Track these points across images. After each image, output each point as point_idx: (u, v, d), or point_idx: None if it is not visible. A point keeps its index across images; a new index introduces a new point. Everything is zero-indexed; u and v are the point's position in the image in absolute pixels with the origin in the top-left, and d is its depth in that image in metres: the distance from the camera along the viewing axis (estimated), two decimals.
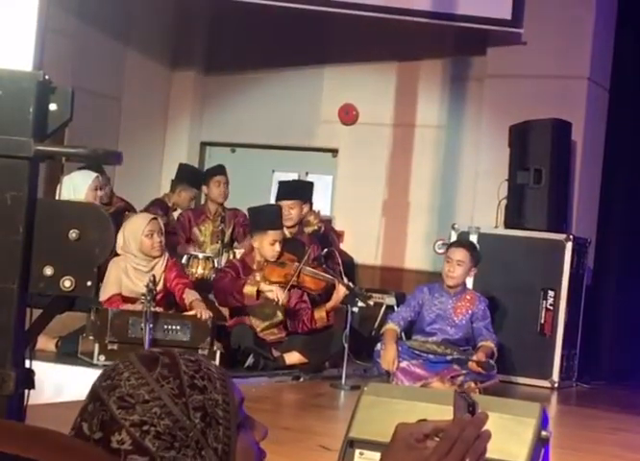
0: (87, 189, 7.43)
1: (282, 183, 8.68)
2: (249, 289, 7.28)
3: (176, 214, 8.82)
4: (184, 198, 8.87)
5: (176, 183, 8.96)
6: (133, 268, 6.98)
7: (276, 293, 7.28)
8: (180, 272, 7.26)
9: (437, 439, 1.58)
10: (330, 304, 7.46)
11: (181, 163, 9.45)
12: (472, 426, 1.52)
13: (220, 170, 8.81)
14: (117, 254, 7.07)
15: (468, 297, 7.43)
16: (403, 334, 7.49)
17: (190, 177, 9.01)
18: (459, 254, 7.33)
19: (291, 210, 8.14)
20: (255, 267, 7.51)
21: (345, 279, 7.52)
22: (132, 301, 6.82)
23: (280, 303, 7.30)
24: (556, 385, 8.12)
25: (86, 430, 1.44)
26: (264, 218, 7.59)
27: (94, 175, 7.50)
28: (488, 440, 1.53)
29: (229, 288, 7.28)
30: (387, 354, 7.11)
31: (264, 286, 7.32)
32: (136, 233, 7.04)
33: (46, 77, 2.75)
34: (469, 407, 1.56)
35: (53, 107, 2.77)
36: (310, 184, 8.85)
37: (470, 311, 7.33)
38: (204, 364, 1.52)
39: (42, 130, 2.75)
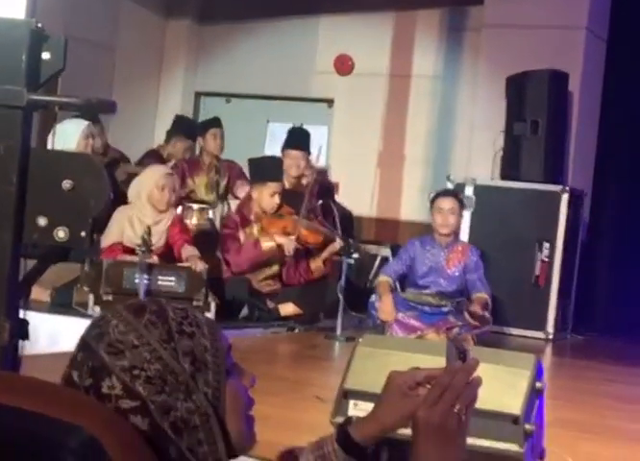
0: (79, 138, 7.36)
1: (293, 132, 8.59)
2: (268, 245, 7.32)
3: (170, 165, 8.77)
4: (179, 149, 8.84)
5: (171, 134, 8.92)
6: (138, 218, 6.96)
7: (287, 245, 7.33)
8: (183, 227, 7.25)
9: (429, 386, 1.59)
10: (325, 254, 7.51)
11: (177, 114, 9.41)
12: (462, 373, 1.53)
13: (216, 122, 8.76)
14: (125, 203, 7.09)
15: (460, 248, 7.42)
16: (397, 286, 7.50)
17: (186, 128, 8.97)
18: (449, 202, 7.33)
19: (300, 161, 8.10)
20: (252, 218, 7.50)
21: (340, 231, 7.52)
22: (132, 251, 6.81)
23: (289, 254, 7.35)
24: (551, 337, 8.15)
25: (76, 378, 1.45)
26: (265, 169, 7.60)
27: (86, 123, 7.43)
28: (478, 386, 1.54)
29: (252, 255, 7.29)
30: (385, 305, 7.11)
31: (278, 238, 7.36)
32: (149, 183, 7.03)
33: (39, 25, 2.72)
34: (460, 355, 1.57)
35: (46, 55, 2.73)
36: (308, 135, 8.80)
37: (463, 262, 7.33)
38: (191, 311, 1.52)
39: (35, 79, 2.72)
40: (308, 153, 8.30)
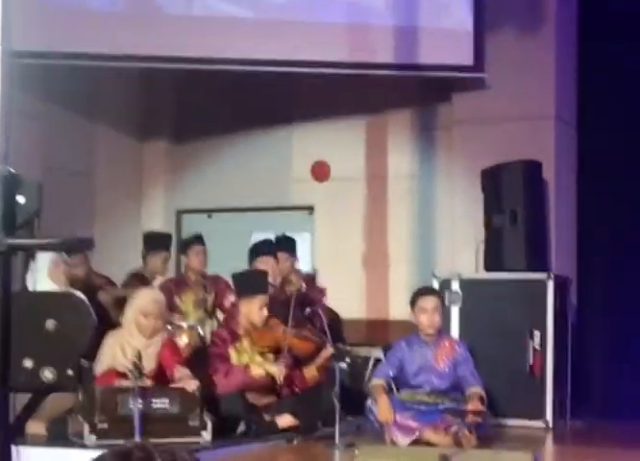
0: (50, 268, 7.30)
1: (252, 246, 8.67)
2: (258, 373, 7.31)
3: (156, 283, 8.78)
4: (156, 264, 8.83)
5: (145, 253, 8.94)
6: (128, 343, 6.95)
7: (278, 374, 7.31)
8: (174, 349, 7.23)
9: None
10: (318, 361, 7.49)
11: (143, 233, 9.42)
12: None
13: (198, 240, 8.77)
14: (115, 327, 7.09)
15: (447, 343, 7.42)
16: (393, 386, 7.47)
17: (155, 242, 8.96)
18: (433, 301, 7.36)
19: (265, 268, 8.08)
20: (241, 332, 7.49)
21: (330, 337, 7.52)
22: (125, 375, 6.77)
23: (280, 383, 7.33)
24: (550, 425, 8.09)
25: None
26: (251, 283, 7.60)
27: (52, 253, 7.37)
28: None
29: (240, 381, 7.26)
30: (382, 406, 7.08)
31: (269, 367, 7.34)
32: (136, 309, 7.04)
33: (11, 170, 2.77)
34: None
35: (21, 199, 2.78)
36: (285, 238, 8.85)
37: (451, 357, 7.33)
38: (179, 454, 1.53)
39: (11, 223, 2.76)
40: (292, 254, 8.31)
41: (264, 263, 8.13)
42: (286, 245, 8.64)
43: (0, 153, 2.95)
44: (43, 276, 7.04)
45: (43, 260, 7.17)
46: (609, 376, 9.05)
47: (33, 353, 2.73)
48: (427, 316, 7.30)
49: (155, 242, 8.95)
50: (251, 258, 8.39)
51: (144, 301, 7.09)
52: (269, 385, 7.38)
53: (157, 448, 1.52)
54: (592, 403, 8.85)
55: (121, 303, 7.81)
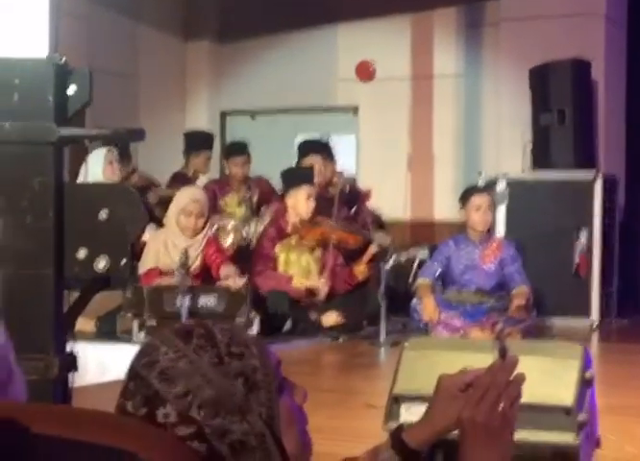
0: (103, 165, 7.36)
1: (300, 143, 8.69)
2: (300, 286, 7.35)
3: (199, 182, 8.78)
4: (199, 164, 8.82)
5: (187, 152, 8.92)
6: (172, 243, 7.00)
7: (321, 289, 7.33)
8: (218, 247, 7.28)
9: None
10: (366, 257, 7.52)
11: (184, 132, 9.40)
12: (502, 372, 1.53)
13: (239, 151, 8.64)
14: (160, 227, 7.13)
15: (495, 244, 7.42)
16: (437, 287, 7.49)
17: (196, 141, 8.94)
18: (485, 199, 7.35)
19: (320, 167, 8.09)
20: (289, 230, 7.52)
21: (379, 236, 7.55)
22: (169, 275, 6.83)
23: (320, 298, 7.36)
24: (596, 324, 8.11)
25: (131, 408, 1.45)
26: (297, 175, 7.69)
27: (105, 150, 7.41)
28: (521, 383, 1.55)
29: (279, 287, 7.31)
30: (428, 305, 7.13)
31: (313, 281, 7.37)
32: (176, 209, 7.07)
33: (63, 60, 2.75)
34: (500, 353, 1.58)
35: (72, 89, 2.77)
36: (328, 144, 8.82)
37: (498, 257, 7.33)
38: (237, 331, 1.53)
39: (63, 113, 2.76)
40: (323, 157, 8.29)
41: (312, 161, 8.13)
42: (328, 150, 8.60)
43: (51, 44, 2.94)
44: (97, 174, 7.09)
45: (95, 159, 7.22)
46: None
47: (86, 244, 2.74)
48: (480, 214, 7.28)
49: (196, 141, 8.93)
50: (299, 158, 8.39)
51: (184, 200, 7.11)
52: (308, 297, 7.42)
53: (216, 326, 1.52)
54: (638, 303, 8.84)
55: (165, 203, 7.85)
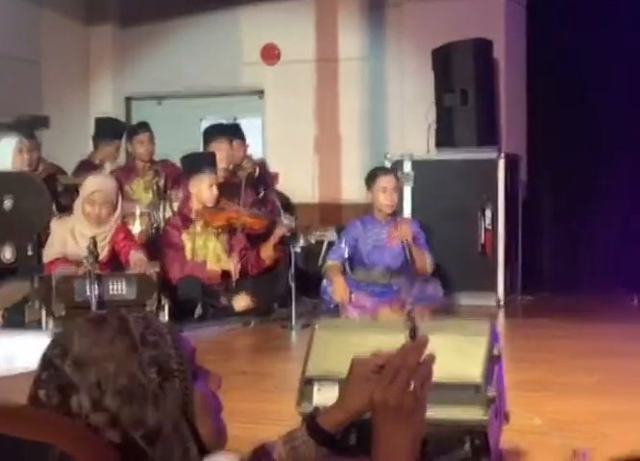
0: (13, 154, 7.23)
1: (205, 129, 8.66)
2: (214, 269, 7.35)
3: (105, 170, 8.71)
4: (109, 152, 8.75)
5: (96, 140, 8.83)
6: (79, 231, 6.90)
7: (234, 268, 7.31)
8: (127, 234, 7.21)
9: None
10: (273, 240, 7.49)
11: (96, 118, 9.30)
12: (413, 353, 1.56)
13: (142, 127, 8.68)
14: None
15: (400, 222, 7.48)
16: (347, 268, 7.54)
17: (108, 129, 8.87)
18: (391, 180, 7.41)
19: (219, 152, 8.04)
20: (193, 216, 7.49)
21: (283, 218, 7.55)
22: (77, 264, 6.74)
23: (235, 276, 7.35)
24: (502, 302, 8.24)
25: (44, 398, 1.45)
26: (199, 162, 7.62)
27: (16, 138, 7.30)
28: (432, 363, 1.57)
29: (195, 275, 7.29)
30: (338, 286, 7.17)
31: (224, 263, 7.35)
32: (82, 198, 6.97)
33: None
34: (410, 333, 1.60)
35: None
36: (237, 125, 8.81)
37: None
38: (152, 320, 1.53)
39: None
40: (230, 140, 8.25)
41: (217, 147, 8.08)
42: (238, 132, 8.58)
43: None
44: (6, 163, 6.96)
45: (5, 148, 7.09)
46: (559, 252, 9.20)
47: None
48: (385, 195, 7.34)
49: (107, 129, 8.85)
50: (204, 143, 8.35)
51: (89, 189, 7.01)
52: (223, 280, 7.41)
53: (131, 314, 1.53)
54: (543, 280, 9.01)
55: (71, 191, 7.76)
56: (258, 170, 8.58)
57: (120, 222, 7.20)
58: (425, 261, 7.27)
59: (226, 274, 7.41)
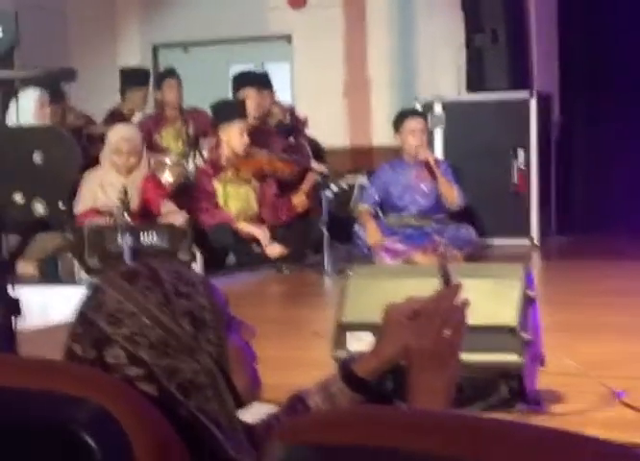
0: (35, 107, 7.22)
1: (234, 76, 8.61)
2: (243, 229, 7.30)
3: (134, 119, 8.70)
4: (136, 100, 8.73)
5: (123, 89, 8.81)
6: (108, 182, 6.92)
7: (263, 239, 7.29)
8: (157, 183, 7.22)
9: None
10: (305, 186, 7.48)
11: (120, 69, 9.27)
12: (446, 299, 1.55)
13: (170, 73, 8.68)
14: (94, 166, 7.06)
15: (426, 167, 7.45)
16: (378, 212, 7.53)
17: (133, 77, 8.85)
18: (420, 122, 7.39)
19: (249, 100, 8.01)
20: (224, 163, 7.48)
21: (315, 164, 7.53)
22: (108, 215, 6.77)
23: (265, 246, 7.31)
24: (536, 242, 8.20)
25: (79, 352, 1.46)
26: (229, 109, 7.58)
27: (37, 92, 7.28)
28: (465, 309, 1.57)
29: (227, 223, 7.28)
30: (371, 230, 7.18)
31: (254, 230, 7.32)
32: (109, 148, 6.99)
33: None
34: (444, 280, 1.59)
35: None
36: (263, 74, 8.76)
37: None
38: (184, 271, 1.53)
39: None
40: (259, 89, 8.21)
41: (247, 95, 8.04)
42: (266, 81, 8.53)
43: None
44: (28, 116, 6.94)
45: (26, 101, 7.07)
46: (594, 192, 9.12)
47: (22, 187, 2.71)
48: (415, 137, 7.30)
49: (133, 78, 8.83)
50: (233, 90, 8.31)
51: (115, 139, 7.03)
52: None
53: (162, 266, 1.52)
54: (577, 220, 8.96)
55: (97, 140, 7.77)
56: (287, 116, 8.54)
57: (149, 171, 7.21)
58: (453, 192, 7.26)
59: (253, 238, 7.37)
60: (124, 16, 10.76)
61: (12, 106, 6.61)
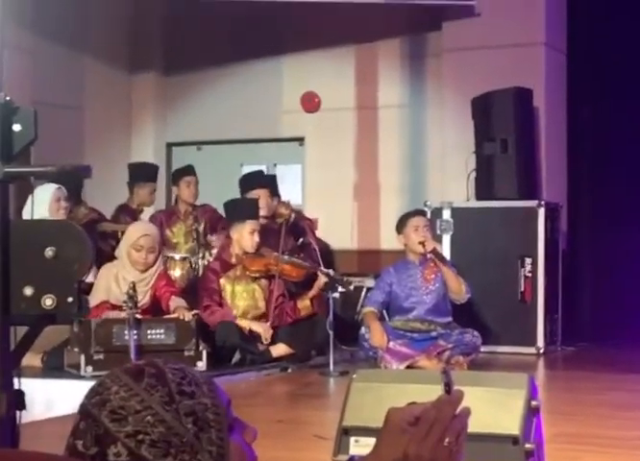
0: (50, 202, 7.31)
1: (244, 177, 8.72)
2: (241, 324, 7.32)
3: (144, 215, 8.79)
4: (144, 195, 8.81)
5: (131, 184, 8.91)
6: (123, 276, 6.98)
7: (264, 334, 7.31)
8: (169, 281, 7.29)
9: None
10: (312, 292, 7.51)
11: (129, 164, 9.39)
12: (447, 406, 1.55)
13: (189, 171, 8.81)
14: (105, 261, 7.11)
15: (432, 262, 7.49)
16: (384, 315, 7.54)
17: (141, 173, 8.95)
18: (423, 219, 7.50)
19: (260, 200, 8.09)
20: (234, 261, 7.52)
21: (323, 267, 7.56)
22: (120, 308, 6.79)
23: (265, 342, 7.32)
24: (542, 351, 8.18)
25: (81, 448, 1.46)
26: (241, 209, 7.66)
27: (55, 186, 7.39)
28: (467, 417, 1.57)
29: (233, 321, 7.31)
30: (376, 332, 7.18)
31: (255, 326, 7.34)
32: (127, 243, 7.06)
33: (7, 98, 2.75)
34: (445, 387, 1.60)
35: (17, 127, 2.77)
36: (272, 177, 8.87)
37: (438, 273, 7.41)
38: (188, 370, 1.55)
39: (8, 151, 2.75)
40: (268, 190, 8.32)
41: (257, 194, 8.14)
42: (273, 182, 8.63)
43: None
44: (43, 210, 7.02)
45: (42, 195, 7.16)
46: (600, 303, 9.11)
47: (33, 281, 2.73)
48: (418, 232, 7.36)
49: (141, 173, 8.93)
50: (243, 191, 8.40)
51: (135, 234, 7.11)
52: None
53: (167, 365, 1.54)
54: (583, 330, 8.93)
55: (109, 236, 7.84)
56: (293, 216, 8.60)
57: (162, 268, 7.27)
58: (459, 283, 7.29)
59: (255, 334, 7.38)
60: (140, 115, 10.92)
61: (29, 201, 6.69)
